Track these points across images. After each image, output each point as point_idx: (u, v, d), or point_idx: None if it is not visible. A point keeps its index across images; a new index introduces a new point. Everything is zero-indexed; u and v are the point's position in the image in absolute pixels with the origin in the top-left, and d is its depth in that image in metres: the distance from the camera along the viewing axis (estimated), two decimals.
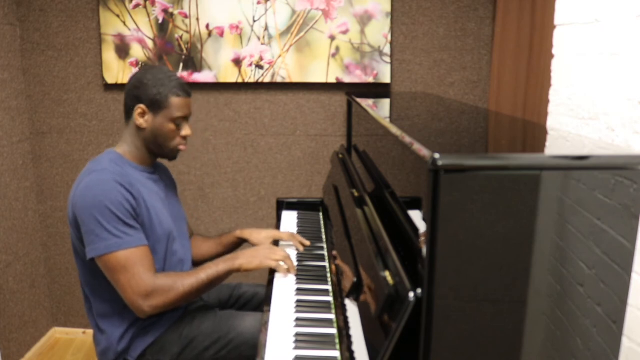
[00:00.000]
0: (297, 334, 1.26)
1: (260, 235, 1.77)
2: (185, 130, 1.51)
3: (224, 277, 1.46)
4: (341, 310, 1.28)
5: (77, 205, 1.37)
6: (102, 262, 1.36)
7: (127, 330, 1.46)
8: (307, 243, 1.77)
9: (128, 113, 1.49)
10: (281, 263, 1.54)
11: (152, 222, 1.45)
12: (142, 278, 1.34)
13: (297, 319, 1.33)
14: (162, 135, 1.48)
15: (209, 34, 2.32)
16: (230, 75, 2.35)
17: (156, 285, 1.35)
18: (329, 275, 1.57)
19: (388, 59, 2.29)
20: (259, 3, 2.28)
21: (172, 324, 1.52)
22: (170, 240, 1.52)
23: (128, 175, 1.42)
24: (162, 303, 1.37)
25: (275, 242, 1.79)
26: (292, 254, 1.72)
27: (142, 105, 1.45)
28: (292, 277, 1.55)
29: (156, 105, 1.45)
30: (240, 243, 1.80)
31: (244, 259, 1.48)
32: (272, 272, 1.58)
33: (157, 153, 1.53)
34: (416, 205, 1.00)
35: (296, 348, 1.21)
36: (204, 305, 1.65)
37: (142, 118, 1.47)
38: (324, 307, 1.39)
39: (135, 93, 1.46)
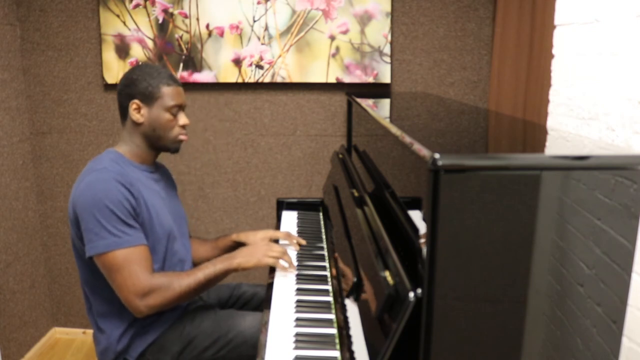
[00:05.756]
0: (297, 334, 1.26)
1: (257, 236, 1.77)
2: (183, 119, 1.52)
3: (222, 277, 1.46)
4: (341, 310, 1.28)
5: (77, 204, 1.37)
6: (101, 261, 1.36)
7: (126, 329, 1.46)
8: (303, 242, 1.77)
9: (124, 113, 1.51)
10: (280, 261, 1.54)
11: (152, 221, 1.45)
12: (139, 277, 1.34)
13: (297, 319, 1.33)
14: (160, 127, 1.49)
15: (209, 34, 2.32)
16: (230, 75, 2.35)
17: (153, 285, 1.35)
18: (329, 275, 1.57)
19: (388, 59, 2.29)
20: (259, 3, 2.28)
21: (172, 323, 1.52)
22: (171, 239, 1.52)
23: (128, 175, 1.43)
24: (158, 302, 1.37)
25: (275, 242, 1.79)
26: (292, 254, 1.72)
27: (135, 101, 1.47)
28: (292, 277, 1.55)
29: (149, 97, 1.47)
30: (237, 246, 1.79)
31: (241, 257, 1.48)
32: (272, 271, 1.58)
33: (158, 146, 1.54)
34: (416, 205, 1.00)
35: (296, 348, 1.21)
36: (204, 305, 1.65)
37: (138, 113, 1.48)
38: (324, 307, 1.39)
39: (127, 91, 1.48)
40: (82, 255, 1.42)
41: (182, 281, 1.39)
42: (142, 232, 1.41)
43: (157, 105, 1.48)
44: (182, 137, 1.53)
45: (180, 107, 1.52)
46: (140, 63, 1.54)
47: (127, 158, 1.50)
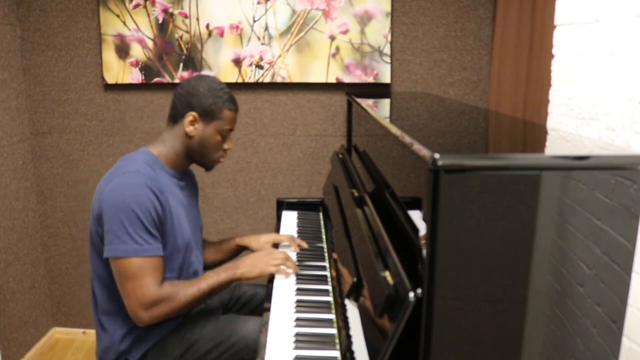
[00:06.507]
0: (297, 334, 1.26)
1: (260, 241, 1.76)
2: (229, 144, 1.55)
3: (225, 287, 1.46)
4: (341, 310, 1.28)
5: (104, 203, 1.36)
6: (115, 264, 1.36)
7: (129, 330, 1.46)
8: (305, 245, 1.77)
9: (175, 117, 1.50)
10: (282, 266, 1.54)
11: (174, 230, 1.45)
12: (149, 288, 1.34)
13: (297, 319, 1.33)
14: (208, 146, 1.50)
15: (209, 34, 2.32)
16: (230, 75, 2.35)
17: (160, 296, 1.35)
18: (329, 275, 1.57)
19: (388, 59, 2.29)
20: (259, 3, 2.28)
21: (174, 327, 1.52)
22: (188, 250, 1.52)
23: (159, 180, 1.42)
24: (162, 313, 1.37)
25: (275, 245, 1.78)
26: (292, 255, 1.72)
27: (194, 113, 1.46)
28: (292, 277, 1.55)
29: (209, 116, 1.47)
30: (240, 250, 1.80)
31: (244, 267, 1.48)
32: None
33: (197, 161, 1.55)
34: (416, 205, 1.00)
35: (296, 348, 1.21)
36: (206, 309, 1.64)
37: (192, 126, 1.47)
38: (324, 307, 1.39)
39: (189, 99, 1.47)
40: (99, 252, 1.42)
41: (187, 291, 1.40)
42: (161, 243, 1.40)
43: (214, 125, 1.48)
44: (221, 159, 1.56)
45: (231, 132, 1.53)
46: (205, 75, 1.53)
47: (160, 161, 1.49)
